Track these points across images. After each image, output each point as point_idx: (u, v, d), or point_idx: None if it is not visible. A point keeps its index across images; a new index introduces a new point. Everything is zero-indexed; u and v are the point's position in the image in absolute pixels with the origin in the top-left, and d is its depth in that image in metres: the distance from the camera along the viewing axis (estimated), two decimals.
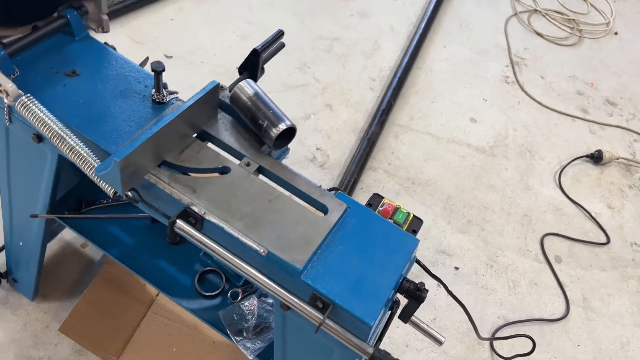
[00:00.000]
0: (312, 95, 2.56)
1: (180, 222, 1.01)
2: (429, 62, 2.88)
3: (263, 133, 1.11)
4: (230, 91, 1.20)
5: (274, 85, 2.55)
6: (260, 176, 1.11)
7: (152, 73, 1.18)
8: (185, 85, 2.49)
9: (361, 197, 2.23)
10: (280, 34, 1.33)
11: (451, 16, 3.18)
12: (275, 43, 1.32)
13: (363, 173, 2.30)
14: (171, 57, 2.55)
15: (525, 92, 2.86)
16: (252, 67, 1.28)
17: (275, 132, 1.09)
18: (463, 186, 2.38)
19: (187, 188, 1.03)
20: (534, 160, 2.55)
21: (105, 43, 1.28)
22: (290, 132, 1.15)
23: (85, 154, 1.03)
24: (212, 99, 1.13)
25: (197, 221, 1.02)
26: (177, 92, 1.23)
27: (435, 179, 2.37)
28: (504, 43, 3.11)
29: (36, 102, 1.04)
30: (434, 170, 2.41)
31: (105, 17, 1.24)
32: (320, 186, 1.16)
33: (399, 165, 2.39)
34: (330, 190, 1.19)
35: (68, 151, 1.03)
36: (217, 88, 1.10)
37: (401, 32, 3.00)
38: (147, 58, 1.33)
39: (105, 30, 1.27)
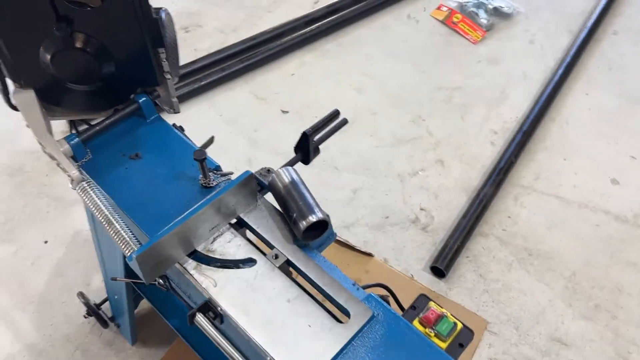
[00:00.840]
0: (423, 149, 2.43)
1: (199, 316, 1.01)
2: (565, 112, 2.55)
3: (293, 224, 1.06)
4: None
5: (384, 140, 2.48)
6: (284, 272, 1.05)
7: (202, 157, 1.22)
8: (297, 139, 2.55)
9: (466, 267, 2.03)
10: (335, 113, 1.27)
11: (599, 59, 2.79)
12: (330, 123, 1.26)
13: (471, 239, 2.10)
14: (287, 112, 2.63)
15: None
16: (303, 149, 1.24)
17: (303, 224, 1.04)
18: (594, 262, 2.03)
19: (210, 281, 1.02)
20: None
21: (174, 125, 1.35)
22: (323, 225, 1.08)
23: (127, 238, 1.08)
24: (248, 187, 1.11)
25: (217, 316, 1.01)
26: (230, 174, 1.24)
27: (558, 251, 2.07)
28: None
29: (94, 186, 1.13)
30: (559, 240, 2.10)
31: (175, 99, 1.32)
32: (354, 284, 1.06)
33: (516, 232, 2.13)
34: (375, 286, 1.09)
35: (114, 235, 1.10)
36: (251, 178, 1.09)
37: (535, 78, 2.71)
38: (213, 137, 1.37)
39: (176, 111, 1.34)
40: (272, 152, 2.46)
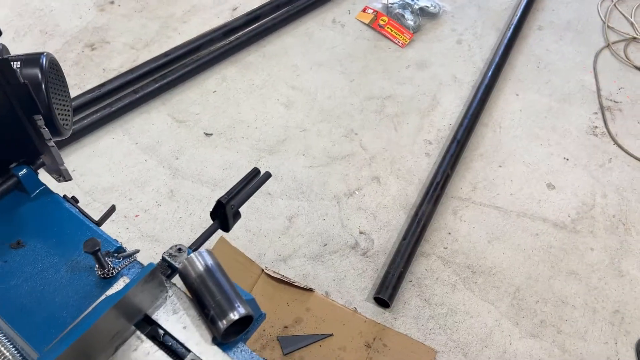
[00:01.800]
0: (358, 166, 2.32)
1: None
2: (497, 116, 2.51)
3: (210, 323, 0.91)
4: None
5: (317, 159, 2.35)
6: None
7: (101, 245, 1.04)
8: (223, 165, 2.39)
9: (410, 292, 1.95)
10: (254, 173, 1.12)
11: (526, 56, 2.77)
12: (249, 183, 1.11)
13: (413, 261, 2.02)
14: (211, 134, 2.44)
15: (619, 146, 2.38)
16: (221, 217, 1.08)
17: (223, 324, 0.89)
18: (536, 274, 2.00)
19: None
20: (630, 236, 2.09)
21: (65, 196, 1.16)
22: (247, 319, 0.94)
23: (9, 356, 0.90)
24: (155, 280, 0.94)
25: None
26: (135, 253, 1.06)
27: (501, 266, 2.02)
28: (592, 84, 2.64)
29: None
30: (501, 254, 2.05)
31: (63, 167, 1.12)
32: None
33: (457, 249, 2.07)
34: None
35: None
36: (155, 272, 0.92)
37: (465, 81, 2.65)
38: (113, 207, 1.19)
39: (67, 179, 1.14)
40: (197, 182, 2.28)
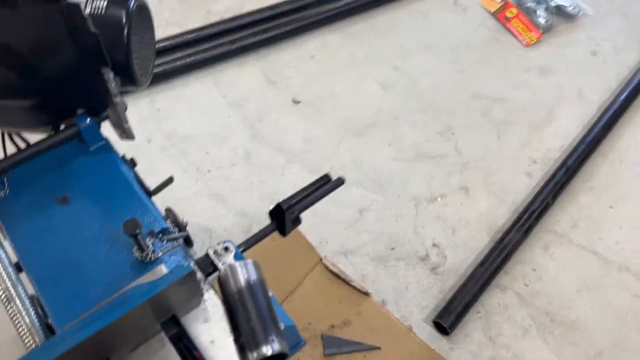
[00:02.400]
0: (447, 170, 2.10)
1: None
2: (621, 147, 2.17)
3: (239, 350, 0.78)
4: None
5: (404, 152, 2.14)
6: None
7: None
8: (305, 137, 2.24)
9: (475, 325, 1.75)
10: (325, 181, 0.96)
11: None
12: (317, 191, 0.95)
13: (487, 291, 1.80)
14: (299, 102, 2.30)
15: None
16: (279, 220, 0.94)
17: (252, 357, 0.75)
18: (626, 342, 1.72)
19: None
20: None
21: (123, 157, 1.06)
22: (281, 356, 0.80)
23: (26, 328, 0.82)
24: (190, 283, 0.82)
25: None
26: (183, 236, 0.95)
27: (586, 322, 1.76)
28: None
29: None
30: (588, 307, 1.79)
31: (127, 125, 1.01)
32: None
33: (539, 289, 1.82)
34: None
35: (13, 316, 0.84)
36: (191, 275, 0.79)
37: (592, 100, 2.32)
38: (171, 178, 1.08)
39: (130, 138, 1.04)
40: (275, 149, 2.16)
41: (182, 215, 2.12)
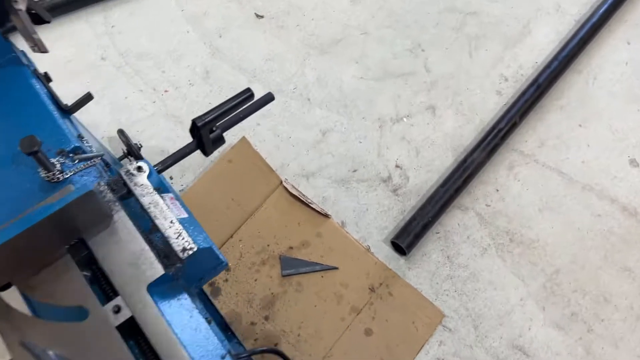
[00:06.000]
0: (414, 89, 2.02)
1: None
2: (595, 64, 2.08)
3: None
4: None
5: (371, 70, 2.05)
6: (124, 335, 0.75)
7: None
8: (267, 55, 2.11)
9: (434, 245, 1.74)
10: (247, 95, 0.88)
11: None
12: (241, 106, 0.88)
13: (448, 211, 1.78)
14: (262, 16, 2.16)
15: None
16: (199, 138, 0.87)
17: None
18: (583, 260, 1.73)
19: (15, 334, 0.72)
20: None
21: (35, 71, 0.97)
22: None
23: None
24: (93, 204, 0.77)
25: None
26: (98, 156, 0.89)
27: (545, 241, 1.76)
28: None
29: None
30: (549, 227, 1.78)
31: (36, 36, 0.92)
32: (225, 356, 0.77)
33: (501, 209, 1.80)
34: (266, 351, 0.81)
35: None
36: (91, 195, 0.74)
37: (570, 13, 2.19)
38: (89, 94, 0.99)
39: (42, 50, 0.95)
40: (236, 67, 2.05)
41: (138, 137, 2.05)
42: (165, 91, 2.01)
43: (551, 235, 1.76)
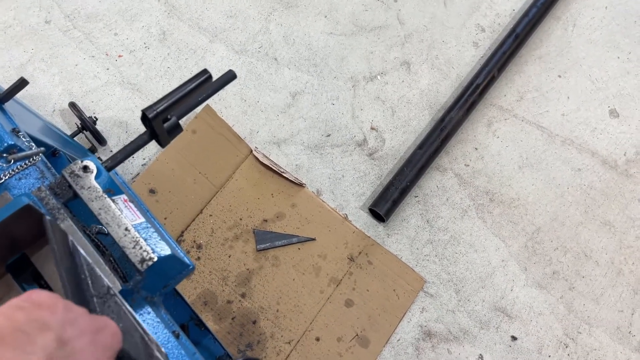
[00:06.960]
0: (388, 44, 1.90)
1: None
2: (575, 9, 1.99)
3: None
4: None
5: (341, 25, 1.92)
6: None
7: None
8: (229, 12, 2.01)
9: (413, 209, 1.69)
10: (205, 77, 0.77)
11: None
12: (198, 89, 0.77)
13: (426, 174, 1.72)
14: None
15: None
16: (152, 129, 0.77)
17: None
18: (564, 217, 1.70)
19: None
20: None
21: None
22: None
23: None
24: (34, 217, 0.67)
25: None
26: (38, 153, 0.78)
27: (526, 199, 1.72)
28: None
29: None
30: (530, 184, 1.74)
31: None
32: None
33: (480, 169, 1.75)
34: None
35: None
36: (28, 210, 0.63)
37: None
38: (23, 80, 0.86)
39: None
40: (195, 27, 1.90)
41: (93, 108, 1.90)
42: (119, 56, 1.85)
43: (532, 193, 1.72)
